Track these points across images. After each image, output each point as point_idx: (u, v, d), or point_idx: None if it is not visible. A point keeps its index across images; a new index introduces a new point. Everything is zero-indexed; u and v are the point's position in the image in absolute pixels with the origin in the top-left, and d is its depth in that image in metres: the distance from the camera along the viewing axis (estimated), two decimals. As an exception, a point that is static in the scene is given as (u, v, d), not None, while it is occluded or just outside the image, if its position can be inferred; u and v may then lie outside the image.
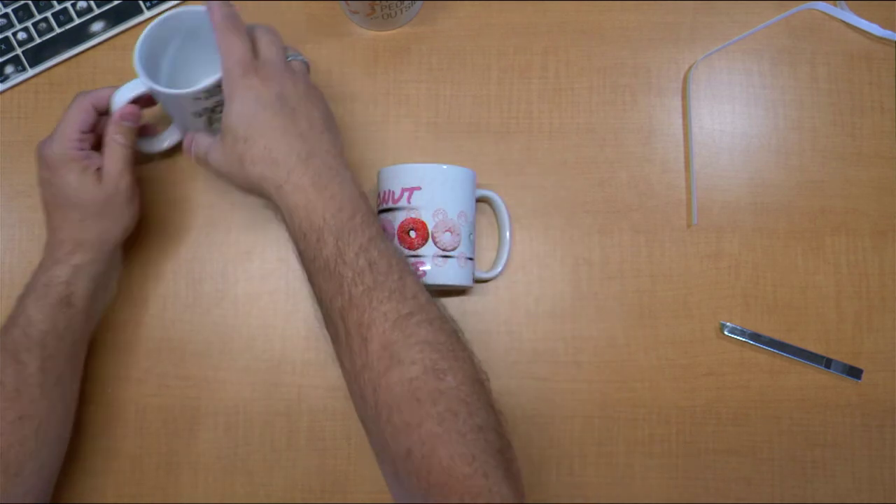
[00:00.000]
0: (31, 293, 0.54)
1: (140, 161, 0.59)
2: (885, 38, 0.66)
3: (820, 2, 0.67)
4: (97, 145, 0.56)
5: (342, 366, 0.49)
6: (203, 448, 0.62)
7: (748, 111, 0.66)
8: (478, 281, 0.62)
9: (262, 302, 0.63)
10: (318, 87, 0.54)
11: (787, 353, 0.62)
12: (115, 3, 0.66)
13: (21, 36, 0.66)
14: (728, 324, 0.63)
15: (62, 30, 0.66)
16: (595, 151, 0.65)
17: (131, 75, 0.66)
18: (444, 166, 0.58)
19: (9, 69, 0.66)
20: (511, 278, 0.64)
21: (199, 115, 0.55)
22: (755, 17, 0.67)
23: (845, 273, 0.64)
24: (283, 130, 0.50)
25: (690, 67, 0.66)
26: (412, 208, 0.57)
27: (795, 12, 0.67)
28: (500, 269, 0.62)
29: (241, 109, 0.50)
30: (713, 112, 0.66)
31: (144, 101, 0.56)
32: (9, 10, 0.66)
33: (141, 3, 0.66)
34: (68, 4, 0.66)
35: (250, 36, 0.53)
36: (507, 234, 0.62)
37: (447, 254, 0.57)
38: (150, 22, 0.68)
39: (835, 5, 0.67)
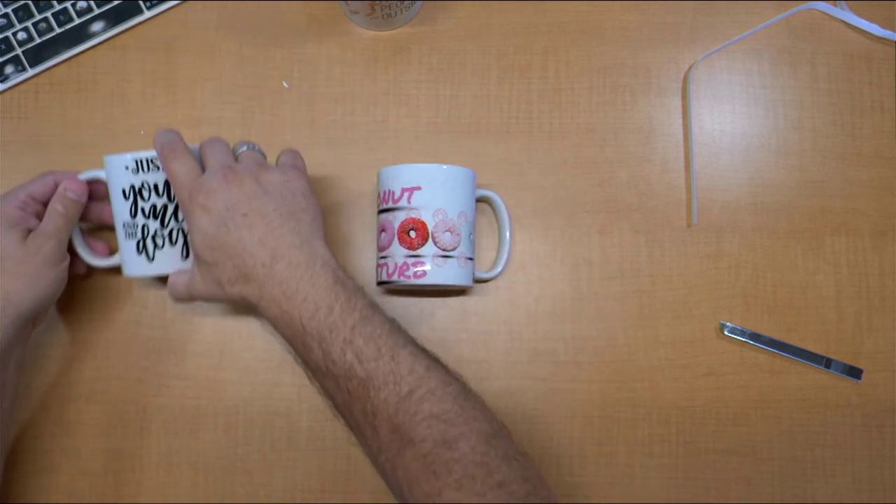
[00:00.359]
0: None
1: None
2: (885, 38, 0.66)
3: (820, 2, 0.67)
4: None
5: (361, 446, 0.49)
6: (203, 448, 0.62)
7: (748, 111, 0.66)
8: (478, 281, 0.62)
9: (262, 302, 0.63)
10: (269, 166, 0.53)
11: (787, 353, 0.62)
12: (115, 3, 0.66)
13: (21, 36, 0.66)
14: (728, 324, 0.63)
15: (62, 30, 0.66)
16: (595, 151, 0.65)
17: (131, 75, 0.67)
18: (444, 166, 0.58)
19: (9, 69, 0.66)
20: (511, 278, 0.64)
21: (126, 196, 0.55)
22: (755, 17, 0.67)
23: (845, 273, 0.64)
24: (243, 244, 0.49)
25: (690, 67, 0.66)
26: (412, 208, 0.57)
27: (795, 12, 0.67)
28: (500, 269, 0.62)
29: (199, 233, 0.50)
30: (713, 112, 0.66)
31: (98, 194, 0.59)
32: (9, 10, 0.66)
33: (141, 3, 0.66)
34: (68, 4, 0.66)
35: (201, 152, 0.54)
36: (507, 234, 0.62)
37: (447, 254, 0.57)
38: (149, 22, 0.69)
39: (835, 5, 0.67)
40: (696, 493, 0.61)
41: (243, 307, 0.52)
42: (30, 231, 0.55)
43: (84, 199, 0.58)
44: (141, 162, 0.56)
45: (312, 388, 0.62)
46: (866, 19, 0.66)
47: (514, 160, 0.65)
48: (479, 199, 0.63)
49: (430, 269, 0.57)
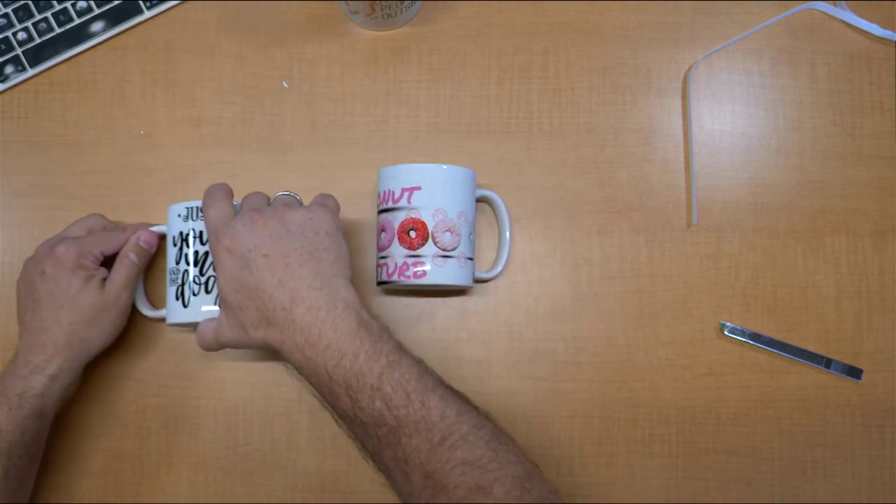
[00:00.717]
0: (2, 401, 0.53)
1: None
2: (885, 38, 0.66)
3: (820, 2, 0.67)
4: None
5: (392, 490, 0.49)
6: (203, 448, 0.62)
7: (748, 111, 0.66)
8: (478, 281, 0.62)
9: (262, 302, 0.63)
10: (299, 211, 0.52)
11: (787, 353, 0.62)
12: (115, 3, 0.66)
13: (21, 36, 0.66)
14: (728, 324, 0.63)
15: (62, 30, 0.66)
16: (595, 151, 0.65)
17: (131, 75, 0.67)
18: (444, 166, 0.58)
19: (9, 69, 0.66)
20: (511, 278, 0.64)
21: (175, 243, 0.57)
22: (755, 17, 0.67)
23: (845, 273, 0.64)
24: (263, 286, 0.49)
25: (690, 67, 0.66)
26: (412, 208, 0.57)
27: (795, 12, 0.67)
28: (500, 269, 0.62)
29: (224, 276, 0.50)
30: (713, 112, 0.66)
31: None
32: (9, 10, 0.66)
33: (141, 3, 0.66)
34: (68, 4, 0.66)
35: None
36: (507, 234, 0.62)
37: (447, 254, 0.57)
38: (149, 22, 0.69)
39: (835, 5, 0.67)
40: (696, 493, 0.61)
41: (272, 353, 0.52)
42: (103, 279, 0.57)
43: (154, 249, 0.60)
44: (191, 209, 0.57)
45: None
46: (866, 19, 0.66)
47: (514, 160, 0.65)
48: (479, 199, 0.63)
49: (430, 269, 0.56)
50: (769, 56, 0.67)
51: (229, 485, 0.62)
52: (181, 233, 0.58)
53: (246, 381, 0.63)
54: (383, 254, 0.58)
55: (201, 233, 0.57)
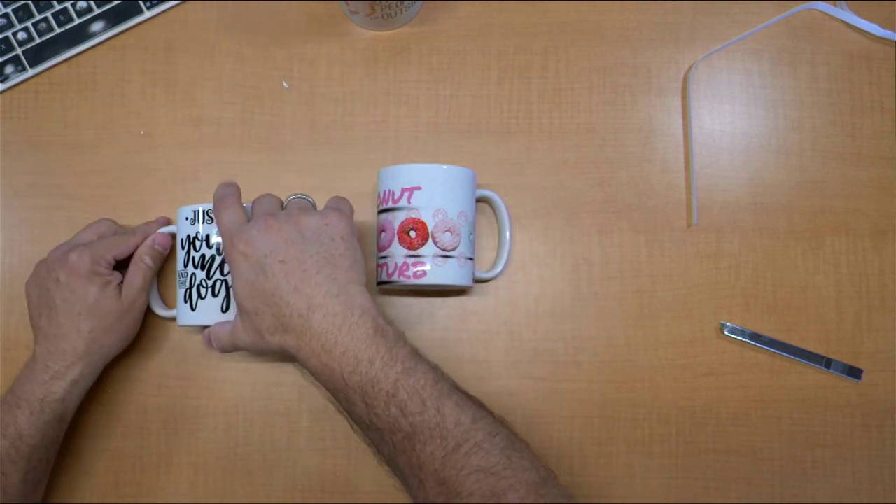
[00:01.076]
0: (23, 405, 0.53)
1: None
2: (885, 38, 0.66)
3: (820, 2, 0.67)
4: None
5: (407, 494, 0.49)
6: (203, 448, 0.62)
7: (748, 111, 0.66)
8: (478, 281, 0.62)
9: (262, 302, 0.63)
10: (315, 214, 0.52)
11: (787, 353, 0.62)
12: (115, 3, 0.66)
13: (21, 36, 0.66)
14: (728, 324, 0.63)
15: (62, 30, 0.66)
16: (595, 151, 0.65)
17: (131, 75, 0.67)
18: (444, 166, 0.58)
19: (9, 69, 0.66)
20: (511, 278, 0.64)
21: (183, 246, 0.58)
22: (755, 17, 0.67)
23: (845, 273, 0.64)
24: (279, 292, 0.49)
25: (690, 67, 0.66)
26: (412, 208, 0.57)
27: (795, 12, 0.67)
28: (500, 269, 0.62)
29: (239, 281, 0.50)
30: (713, 112, 0.66)
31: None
32: (9, 10, 0.66)
33: (141, 3, 0.66)
34: (68, 4, 0.66)
35: (252, 206, 0.54)
36: (507, 234, 0.62)
37: (447, 254, 0.57)
38: (149, 22, 0.69)
39: (835, 5, 0.67)
40: (696, 493, 0.61)
41: (275, 354, 0.53)
42: (119, 283, 0.57)
43: (168, 250, 0.60)
44: (197, 213, 0.57)
45: (312, 388, 0.62)
46: (866, 19, 0.66)
47: (514, 160, 0.65)
48: (479, 199, 0.63)
49: (430, 269, 0.56)
50: (769, 56, 0.67)
51: (229, 485, 0.62)
52: (188, 236, 0.58)
53: (246, 381, 0.63)
54: (383, 254, 0.58)
55: (207, 236, 0.57)
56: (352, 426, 0.51)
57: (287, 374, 0.63)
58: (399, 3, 0.62)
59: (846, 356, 0.63)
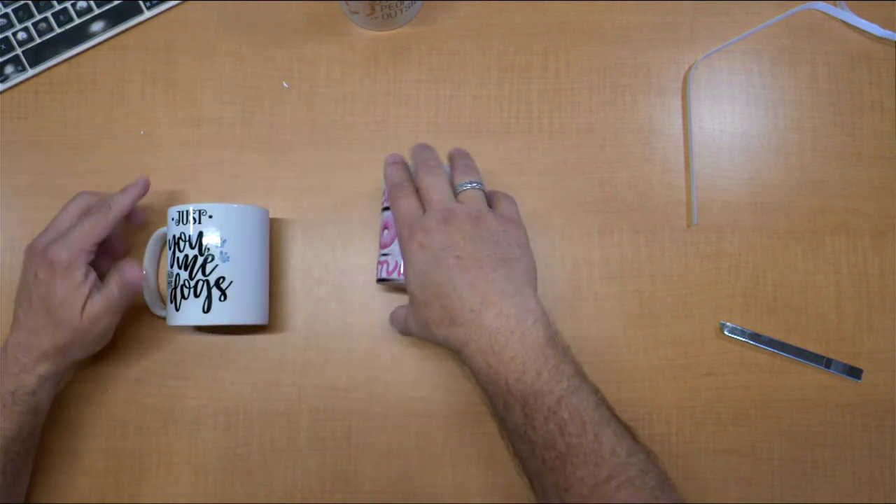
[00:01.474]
0: None
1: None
2: (885, 38, 0.66)
3: (820, 2, 0.67)
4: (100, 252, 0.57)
5: None
6: (203, 448, 0.62)
7: (748, 111, 0.66)
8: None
9: (262, 302, 0.63)
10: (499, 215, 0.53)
11: (787, 353, 0.62)
12: (115, 3, 0.66)
13: (21, 36, 0.66)
14: (728, 324, 0.63)
15: (62, 30, 0.66)
16: (595, 151, 0.65)
17: (131, 75, 0.67)
18: (447, 165, 0.58)
19: (9, 69, 0.66)
20: (511, 278, 0.64)
21: (170, 247, 0.58)
22: (755, 17, 0.67)
23: (845, 273, 0.64)
24: (453, 285, 0.49)
25: (690, 67, 0.66)
26: None
27: (795, 12, 0.67)
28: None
29: (413, 271, 0.50)
30: (713, 112, 0.66)
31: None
32: (9, 10, 0.66)
33: (141, 3, 0.66)
34: (68, 4, 0.66)
35: (417, 185, 0.54)
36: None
37: None
38: (149, 22, 0.69)
39: (835, 5, 0.67)
40: (696, 493, 0.61)
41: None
42: (87, 297, 0.54)
43: (140, 287, 0.58)
44: (182, 213, 0.57)
45: (312, 388, 0.62)
46: (866, 19, 0.66)
47: (514, 160, 0.65)
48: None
49: None
50: (769, 56, 0.67)
51: (229, 485, 0.62)
52: (174, 236, 0.58)
53: (246, 381, 0.63)
54: (385, 251, 0.58)
55: (189, 237, 0.57)
56: (499, 431, 0.50)
57: (287, 374, 0.63)
58: (399, 3, 0.62)
59: (846, 356, 0.63)
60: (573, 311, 0.63)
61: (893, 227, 0.64)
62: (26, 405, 0.54)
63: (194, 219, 0.57)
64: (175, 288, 0.57)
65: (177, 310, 0.57)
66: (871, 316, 0.63)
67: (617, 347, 0.63)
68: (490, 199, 0.55)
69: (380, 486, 0.61)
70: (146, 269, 0.62)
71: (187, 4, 0.67)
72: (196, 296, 0.57)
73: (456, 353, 0.50)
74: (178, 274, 0.57)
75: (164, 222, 0.60)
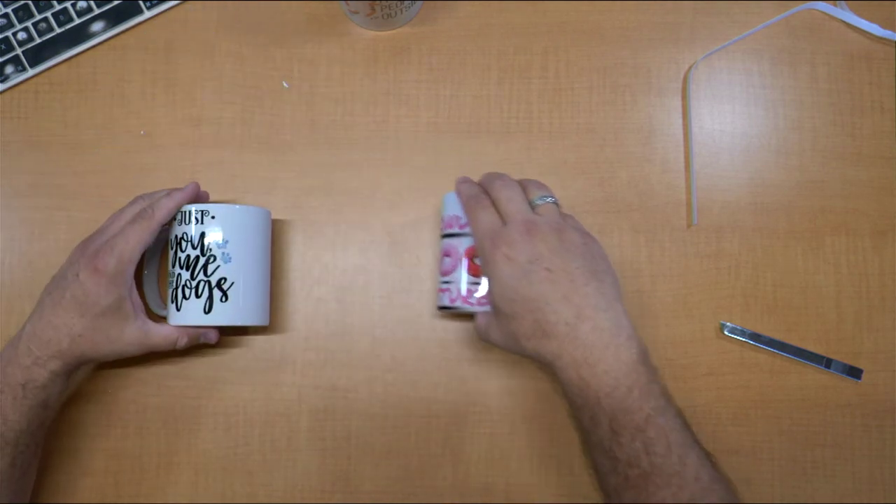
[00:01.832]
0: (6, 391, 0.53)
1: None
2: (885, 38, 0.66)
3: (820, 2, 0.67)
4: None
5: None
6: (203, 448, 0.62)
7: (748, 111, 0.66)
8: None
9: (262, 302, 0.63)
10: (565, 218, 0.53)
11: (787, 353, 0.62)
12: (115, 3, 0.66)
13: (21, 36, 0.66)
14: (728, 324, 0.63)
15: (62, 30, 0.66)
16: (595, 151, 0.65)
17: (131, 75, 0.67)
18: None
19: (9, 69, 0.66)
20: (511, 278, 0.64)
21: (172, 246, 0.58)
22: (755, 17, 0.67)
23: (845, 273, 0.64)
24: (545, 299, 0.48)
25: (690, 67, 0.66)
26: None
27: (795, 12, 0.67)
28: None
29: (500, 285, 0.50)
30: (713, 112, 0.66)
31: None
32: (9, 10, 0.66)
33: (141, 3, 0.66)
34: (68, 4, 0.66)
35: (493, 198, 0.53)
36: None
37: None
38: (149, 22, 0.69)
39: (835, 5, 0.67)
40: (696, 493, 0.61)
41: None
42: (130, 309, 0.55)
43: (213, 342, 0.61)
44: (184, 213, 0.57)
45: (312, 388, 0.62)
46: (866, 19, 0.66)
47: (514, 160, 0.65)
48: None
49: None
50: (769, 56, 0.67)
51: (229, 485, 0.62)
52: (176, 236, 0.58)
53: (246, 381, 0.63)
54: (447, 279, 0.57)
55: (191, 237, 0.57)
56: (584, 442, 0.50)
57: (287, 374, 0.63)
58: (399, 3, 0.62)
59: (846, 356, 0.63)
60: (573, 311, 0.63)
61: (893, 227, 0.64)
62: (37, 399, 0.54)
63: (197, 219, 0.57)
64: (176, 288, 0.57)
65: (178, 310, 0.57)
66: (871, 316, 0.63)
67: (617, 347, 0.63)
68: None
69: (380, 486, 0.61)
70: (147, 268, 0.62)
71: (187, 4, 0.67)
72: (197, 296, 0.57)
73: (546, 365, 0.50)
74: (179, 274, 0.57)
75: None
